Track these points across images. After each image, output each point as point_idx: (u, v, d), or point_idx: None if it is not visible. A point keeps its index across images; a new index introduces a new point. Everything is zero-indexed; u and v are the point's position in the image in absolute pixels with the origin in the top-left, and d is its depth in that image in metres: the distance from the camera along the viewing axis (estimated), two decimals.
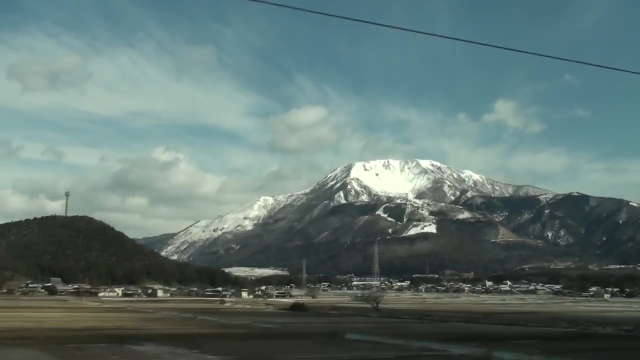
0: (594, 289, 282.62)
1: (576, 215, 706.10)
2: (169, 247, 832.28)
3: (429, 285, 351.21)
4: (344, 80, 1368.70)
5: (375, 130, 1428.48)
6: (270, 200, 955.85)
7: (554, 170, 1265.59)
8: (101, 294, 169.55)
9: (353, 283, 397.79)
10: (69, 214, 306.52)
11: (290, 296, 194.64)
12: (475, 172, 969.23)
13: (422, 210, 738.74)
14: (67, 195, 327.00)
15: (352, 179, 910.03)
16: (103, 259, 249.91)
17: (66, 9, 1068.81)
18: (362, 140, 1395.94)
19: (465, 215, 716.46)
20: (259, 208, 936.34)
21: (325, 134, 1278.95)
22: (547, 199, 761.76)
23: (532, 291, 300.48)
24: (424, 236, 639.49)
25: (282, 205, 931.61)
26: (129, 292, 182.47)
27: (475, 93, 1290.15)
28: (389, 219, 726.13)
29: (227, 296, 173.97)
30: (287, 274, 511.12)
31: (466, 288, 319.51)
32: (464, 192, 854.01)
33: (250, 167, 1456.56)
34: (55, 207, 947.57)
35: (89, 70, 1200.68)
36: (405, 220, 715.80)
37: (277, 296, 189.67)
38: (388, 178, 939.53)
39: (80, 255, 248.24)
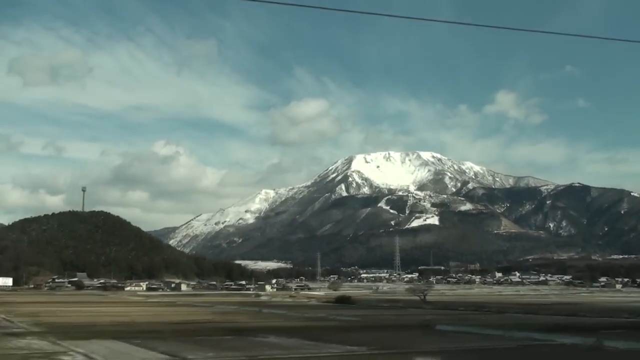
0: (603, 279, 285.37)
1: (578, 206, 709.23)
2: (171, 241, 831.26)
3: (438, 277, 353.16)
4: (344, 73, 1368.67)
5: (375, 122, 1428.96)
6: (272, 193, 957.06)
7: (554, 161, 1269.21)
8: (127, 288, 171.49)
9: (362, 275, 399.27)
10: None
11: (309, 289, 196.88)
12: (476, 163, 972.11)
13: (424, 202, 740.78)
14: (83, 190, 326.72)
15: (353, 172, 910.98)
16: (123, 254, 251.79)
17: (66, 2, 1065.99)
18: (363, 132, 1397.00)
19: (467, 206, 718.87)
20: (260, 201, 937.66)
21: (326, 126, 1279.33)
22: (549, 190, 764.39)
23: (542, 282, 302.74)
24: (427, 228, 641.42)
25: (283, 198, 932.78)
26: (153, 286, 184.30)
27: (476, 85, 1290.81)
28: (391, 211, 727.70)
29: (251, 289, 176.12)
30: (291, 266, 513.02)
31: (477, 279, 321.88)
32: (465, 183, 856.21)
33: (251, 160, 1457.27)
34: (55, 202, 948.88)
35: (89, 64, 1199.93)
36: (407, 212, 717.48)
37: (295, 289, 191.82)
38: (389, 170, 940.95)
39: (100, 250, 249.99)
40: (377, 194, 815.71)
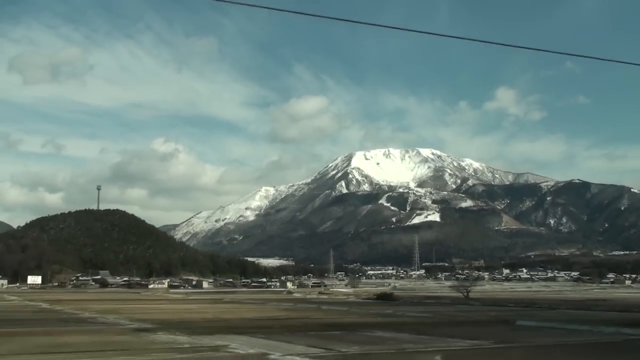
0: (611, 275, 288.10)
1: (578, 202, 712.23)
2: None
3: (446, 273, 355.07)
4: (343, 70, 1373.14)
5: (375, 119, 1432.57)
6: (272, 190, 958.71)
7: (553, 158, 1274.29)
8: (151, 286, 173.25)
9: (368, 272, 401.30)
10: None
11: (325, 286, 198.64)
12: (475, 160, 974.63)
13: (425, 199, 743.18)
14: (98, 189, 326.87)
15: (353, 169, 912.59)
16: (140, 252, 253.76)
17: (65, 0, 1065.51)
18: (362, 129, 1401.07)
19: (468, 203, 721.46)
20: (260, 198, 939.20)
21: (326, 123, 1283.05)
22: (549, 186, 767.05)
23: (551, 279, 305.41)
24: (429, 225, 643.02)
25: (283, 196, 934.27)
26: (174, 284, 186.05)
27: (476, 81, 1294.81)
28: (392, 208, 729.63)
29: (273, 287, 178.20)
30: (293, 264, 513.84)
31: (485, 276, 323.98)
32: (464, 180, 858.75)
33: (249, 157, 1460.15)
34: (54, 200, 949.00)
35: (89, 62, 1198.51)
36: (408, 209, 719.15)
37: (312, 286, 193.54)
38: (389, 167, 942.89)
39: (118, 248, 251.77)
40: (378, 191, 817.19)
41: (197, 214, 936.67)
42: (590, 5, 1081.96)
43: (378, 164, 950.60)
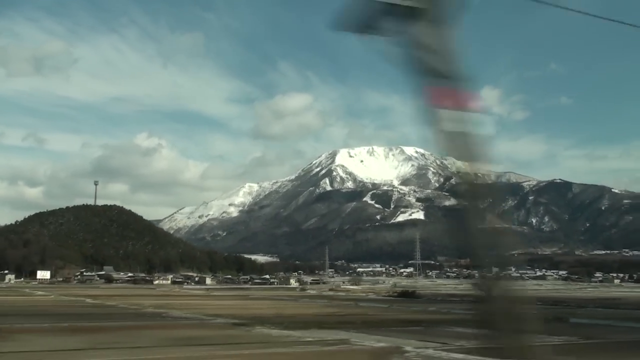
0: (599, 274, 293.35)
1: (559, 202, 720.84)
2: None
3: (436, 271, 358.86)
4: (327, 67, 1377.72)
5: (358, 116, 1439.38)
6: (255, 187, 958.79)
7: (534, 157, 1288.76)
8: (156, 282, 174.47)
9: (358, 270, 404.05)
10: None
11: (324, 283, 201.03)
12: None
13: (409, 197, 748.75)
14: (96, 184, 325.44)
15: (337, 166, 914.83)
16: (140, 248, 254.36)
17: None
18: (346, 127, 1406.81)
19: (452, 202, 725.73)
20: (244, 195, 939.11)
21: (310, 120, 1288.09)
22: (530, 186, 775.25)
23: (540, 277, 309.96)
24: (413, 223, 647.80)
25: (267, 192, 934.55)
26: (177, 280, 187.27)
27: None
28: (377, 205, 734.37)
29: (276, 284, 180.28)
30: (278, 260, 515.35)
31: (476, 274, 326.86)
32: (448, 178, 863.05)
33: (233, 153, 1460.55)
34: (34, 194, 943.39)
35: (74, 55, 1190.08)
36: (392, 207, 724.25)
37: (311, 283, 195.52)
38: (373, 165, 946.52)
39: (117, 244, 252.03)
40: (362, 189, 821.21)
41: (180, 209, 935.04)
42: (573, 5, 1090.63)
43: (362, 161, 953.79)
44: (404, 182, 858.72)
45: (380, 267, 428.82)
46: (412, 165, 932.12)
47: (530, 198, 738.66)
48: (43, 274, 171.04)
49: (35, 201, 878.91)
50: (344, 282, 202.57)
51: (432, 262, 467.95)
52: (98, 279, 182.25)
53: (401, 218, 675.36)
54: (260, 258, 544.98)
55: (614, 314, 59.52)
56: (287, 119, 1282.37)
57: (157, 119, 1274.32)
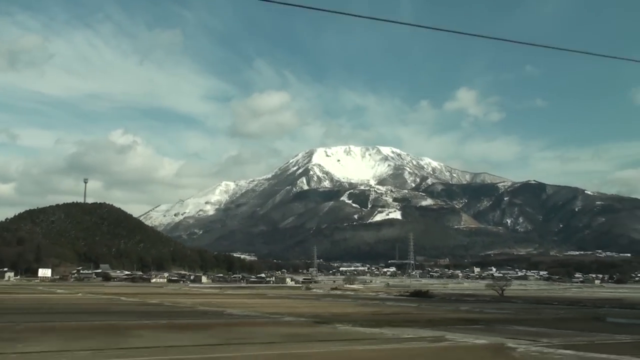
0: (578, 275, 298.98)
1: (534, 203, 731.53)
2: None
3: (419, 271, 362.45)
4: (304, 66, 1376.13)
5: (335, 116, 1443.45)
6: (232, 185, 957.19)
7: (507, 158, 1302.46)
8: (153, 280, 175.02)
9: (340, 268, 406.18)
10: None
11: (315, 282, 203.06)
12: (433, 159, 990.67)
13: (386, 196, 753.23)
14: (85, 182, 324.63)
15: (314, 165, 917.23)
16: (131, 246, 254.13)
17: None
18: (323, 126, 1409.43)
19: (428, 202, 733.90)
20: (220, 193, 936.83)
21: (287, 119, 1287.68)
22: (506, 187, 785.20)
23: (522, 277, 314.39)
24: (390, 222, 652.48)
25: (243, 191, 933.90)
26: (173, 278, 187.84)
27: (437, 82, 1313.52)
28: (354, 205, 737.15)
29: (272, 282, 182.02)
30: (256, 259, 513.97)
31: (459, 274, 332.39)
32: (424, 179, 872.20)
33: (208, 151, 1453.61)
34: (6, 190, 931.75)
35: (49, 51, 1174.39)
36: (369, 206, 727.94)
37: (303, 282, 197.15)
38: (349, 164, 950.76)
39: (109, 242, 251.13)
40: (339, 188, 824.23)
41: (156, 207, 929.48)
42: (550, 6, 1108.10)
43: (339, 161, 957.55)
44: (381, 181, 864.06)
45: (362, 266, 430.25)
46: (389, 165, 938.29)
47: (505, 199, 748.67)
48: (44, 272, 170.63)
49: (6, 198, 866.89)
50: (334, 282, 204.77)
51: (412, 262, 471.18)
52: (95, 277, 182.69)
53: (379, 217, 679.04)
54: (240, 257, 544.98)
55: (635, 314, 62.24)
56: (264, 118, 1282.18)
57: (132, 116, 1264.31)
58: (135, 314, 48.35)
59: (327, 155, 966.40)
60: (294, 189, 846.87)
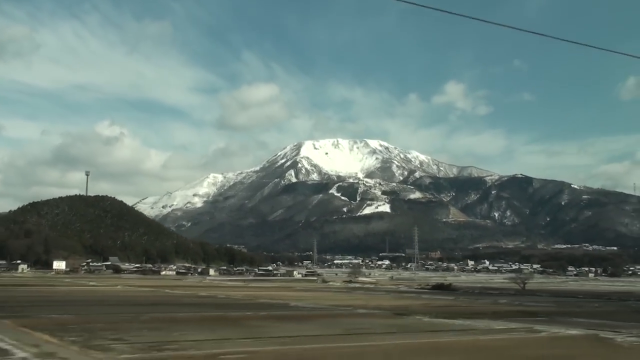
0: (571, 268, 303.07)
1: (521, 197, 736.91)
2: None
3: (413, 264, 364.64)
4: (292, 58, 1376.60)
5: (322, 109, 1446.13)
6: (220, 177, 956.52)
7: (493, 152, 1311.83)
8: (162, 273, 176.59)
9: (335, 261, 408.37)
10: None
11: (318, 275, 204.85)
12: (420, 152, 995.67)
13: (375, 189, 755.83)
14: (87, 174, 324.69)
15: (302, 158, 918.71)
16: (136, 238, 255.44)
17: None
18: (311, 119, 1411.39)
19: (416, 195, 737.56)
20: (208, 185, 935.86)
21: (275, 111, 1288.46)
22: (493, 180, 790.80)
23: (517, 270, 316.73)
24: (379, 215, 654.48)
25: (231, 183, 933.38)
26: (181, 270, 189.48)
27: (424, 75, 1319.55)
28: (343, 198, 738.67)
29: (279, 275, 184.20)
30: (246, 251, 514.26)
31: (455, 267, 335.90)
32: (411, 172, 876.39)
33: (195, 143, 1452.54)
34: None
35: (36, 41, 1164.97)
36: (358, 199, 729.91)
37: (306, 275, 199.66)
38: (337, 157, 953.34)
39: (113, 234, 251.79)
40: (327, 181, 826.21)
41: (143, 199, 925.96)
42: (534, 4, 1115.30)
43: (327, 154, 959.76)
44: (369, 174, 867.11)
45: (355, 259, 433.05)
46: (377, 159, 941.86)
47: (493, 192, 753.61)
48: (59, 264, 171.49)
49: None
50: (336, 274, 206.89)
51: (403, 254, 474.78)
52: (105, 269, 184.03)
53: (367, 211, 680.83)
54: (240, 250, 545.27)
55: None
56: (252, 110, 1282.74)
57: (118, 108, 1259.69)
58: (217, 306, 50.16)
59: (315, 148, 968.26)
60: (283, 182, 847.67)
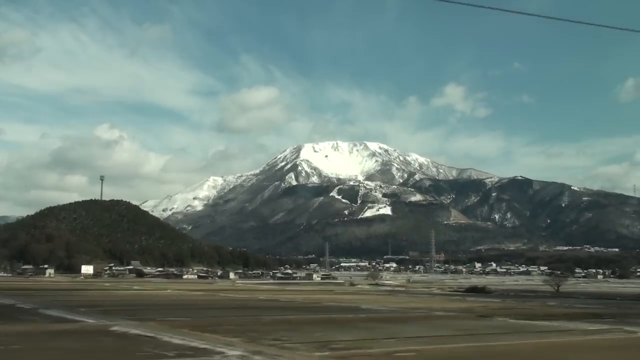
0: (578, 270, 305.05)
1: (521, 199, 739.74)
2: None
3: (420, 267, 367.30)
4: (290, 61, 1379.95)
5: (321, 111, 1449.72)
6: (220, 180, 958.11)
7: (491, 154, 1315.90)
8: (185, 276, 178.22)
9: (342, 264, 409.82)
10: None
11: (334, 278, 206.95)
12: (420, 154, 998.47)
13: (375, 192, 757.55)
14: (101, 179, 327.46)
15: (302, 161, 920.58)
16: (153, 242, 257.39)
17: None
18: (310, 121, 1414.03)
19: (417, 197, 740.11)
20: (208, 188, 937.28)
21: (275, 114, 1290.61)
22: (493, 182, 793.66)
23: (525, 272, 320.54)
24: (381, 218, 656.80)
25: (231, 186, 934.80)
26: (202, 274, 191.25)
27: (424, 77, 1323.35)
28: (344, 200, 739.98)
29: (298, 278, 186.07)
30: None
31: (463, 269, 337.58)
32: (411, 174, 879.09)
33: (194, 146, 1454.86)
34: None
35: (36, 45, 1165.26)
36: (359, 202, 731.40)
37: (322, 278, 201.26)
38: (337, 160, 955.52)
39: (131, 238, 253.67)
40: (328, 184, 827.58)
41: (143, 202, 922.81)
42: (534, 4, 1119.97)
43: (327, 156, 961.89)
44: (369, 177, 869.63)
45: (361, 261, 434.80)
46: (376, 161, 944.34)
47: (493, 194, 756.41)
48: (87, 269, 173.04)
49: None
50: (350, 277, 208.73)
51: (407, 257, 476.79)
52: (128, 273, 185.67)
53: (369, 213, 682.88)
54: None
55: None
56: (251, 113, 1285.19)
57: (117, 111, 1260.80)
58: (303, 309, 51.17)
59: (315, 151, 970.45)
60: (283, 185, 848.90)
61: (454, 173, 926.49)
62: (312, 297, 74.96)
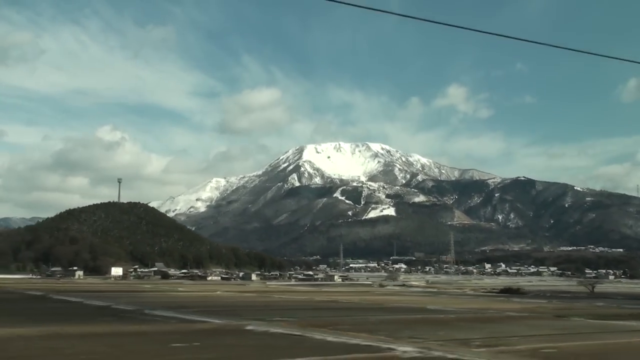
0: (588, 270, 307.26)
1: (524, 199, 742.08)
2: None
3: (430, 267, 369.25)
4: (292, 63, 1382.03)
5: (322, 112, 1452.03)
6: (222, 181, 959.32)
7: (492, 154, 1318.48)
8: (209, 278, 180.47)
9: (351, 265, 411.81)
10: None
11: (350, 279, 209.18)
12: (422, 155, 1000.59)
13: (379, 193, 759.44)
14: (119, 182, 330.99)
15: (304, 162, 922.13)
16: (172, 244, 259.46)
17: None
18: (313, 122, 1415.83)
19: (420, 198, 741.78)
20: (210, 189, 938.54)
21: (277, 115, 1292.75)
22: (495, 183, 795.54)
23: (536, 273, 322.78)
24: (385, 219, 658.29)
25: (234, 187, 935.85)
26: (225, 275, 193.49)
27: (424, 79, 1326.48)
28: (347, 201, 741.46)
29: (319, 279, 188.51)
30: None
31: (474, 270, 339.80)
32: (414, 175, 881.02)
33: (195, 147, 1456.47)
34: None
35: (39, 46, 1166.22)
36: (363, 203, 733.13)
37: (342, 279, 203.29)
38: (339, 161, 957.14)
39: (150, 240, 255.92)
40: (330, 185, 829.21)
41: (147, 204, 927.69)
42: (536, 5, 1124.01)
43: (329, 157, 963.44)
44: (372, 178, 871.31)
45: (369, 262, 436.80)
46: (379, 162, 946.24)
47: (496, 195, 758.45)
48: (116, 271, 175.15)
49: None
50: (367, 278, 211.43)
51: (413, 258, 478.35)
52: (153, 275, 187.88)
53: (373, 214, 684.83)
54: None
55: None
56: (253, 114, 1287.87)
57: (119, 112, 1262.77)
58: (383, 310, 51.70)
59: (317, 152, 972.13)
60: (286, 186, 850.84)
61: (456, 174, 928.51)
62: (367, 298, 76.00)
